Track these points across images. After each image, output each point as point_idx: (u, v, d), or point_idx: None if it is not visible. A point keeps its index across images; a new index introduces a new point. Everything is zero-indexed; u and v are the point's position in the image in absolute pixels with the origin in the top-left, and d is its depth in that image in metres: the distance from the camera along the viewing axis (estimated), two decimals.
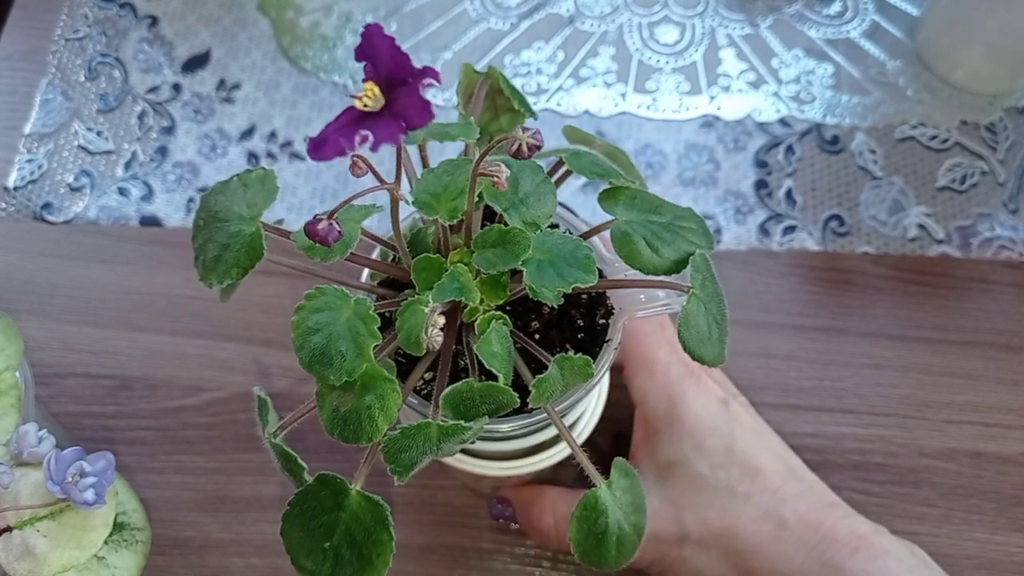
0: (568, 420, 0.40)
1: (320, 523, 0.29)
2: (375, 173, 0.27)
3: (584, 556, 0.31)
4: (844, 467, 0.49)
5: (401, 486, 0.28)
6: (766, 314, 0.53)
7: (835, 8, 0.63)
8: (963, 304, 0.53)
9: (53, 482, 0.33)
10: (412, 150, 0.34)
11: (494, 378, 0.29)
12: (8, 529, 0.33)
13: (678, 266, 0.30)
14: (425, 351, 0.28)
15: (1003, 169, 0.57)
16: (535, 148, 0.27)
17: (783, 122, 0.59)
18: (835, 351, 0.52)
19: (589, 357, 0.30)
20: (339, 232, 0.27)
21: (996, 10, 0.55)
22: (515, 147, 0.27)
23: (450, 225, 0.30)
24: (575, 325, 0.35)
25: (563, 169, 0.33)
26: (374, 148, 0.24)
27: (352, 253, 0.30)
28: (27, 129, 0.60)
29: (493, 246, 0.29)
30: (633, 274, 0.31)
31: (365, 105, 0.25)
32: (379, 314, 0.28)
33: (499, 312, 0.30)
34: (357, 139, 0.24)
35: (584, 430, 0.41)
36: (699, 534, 0.40)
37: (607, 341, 0.34)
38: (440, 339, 0.28)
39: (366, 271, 0.34)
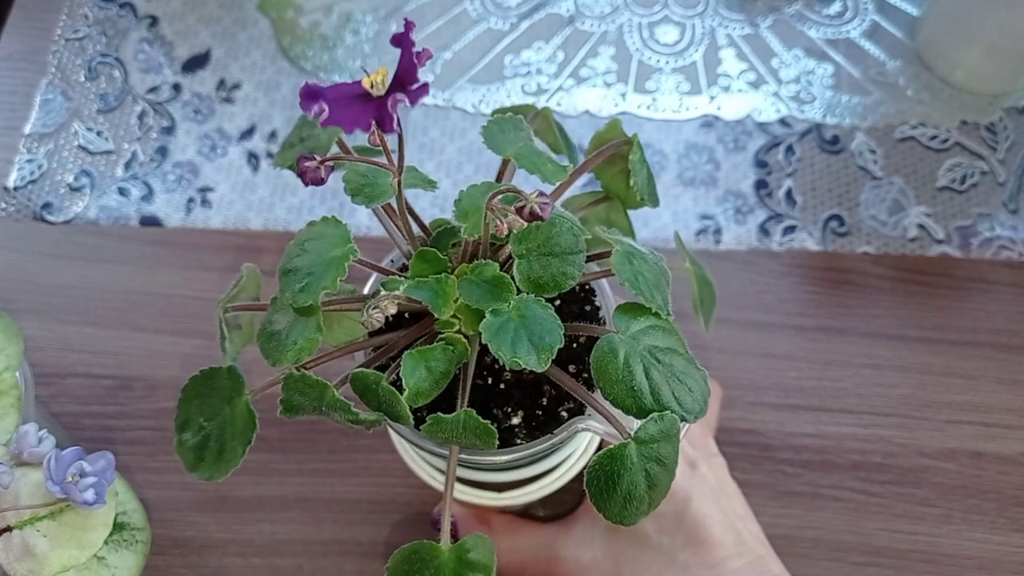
0: (555, 460, 0.40)
1: (209, 404, 0.32)
2: (387, 152, 0.27)
3: (593, 498, 0.28)
4: (844, 467, 0.49)
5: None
6: (766, 314, 0.53)
7: (835, 8, 0.63)
8: (963, 304, 0.53)
9: (53, 482, 0.33)
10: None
11: (500, 381, 0.29)
12: (8, 529, 0.33)
13: (642, 413, 0.28)
14: (364, 326, 0.28)
15: (1003, 169, 0.57)
16: (536, 218, 0.26)
17: (783, 122, 0.59)
18: (835, 351, 0.52)
19: (492, 429, 0.28)
20: (322, 179, 0.27)
21: (996, 10, 0.55)
22: (521, 206, 0.27)
23: (473, 240, 0.30)
24: (540, 399, 0.33)
25: (603, 262, 0.31)
26: (324, 123, 0.25)
27: (361, 259, 0.30)
28: (27, 129, 0.60)
29: (484, 281, 0.29)
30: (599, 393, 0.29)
31: (370, 85, 0.25)
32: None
33: (462, 340, 0.29)
34: (315, 109, 0.25)
35: (574, 467, 0.41)
36: None
37: (551, 434, 0.32)
38: (377, 322, 0.28)
39: (374, 275, 0.35)
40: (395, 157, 0.28)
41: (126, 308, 0.54)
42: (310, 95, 0.25)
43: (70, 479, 0.33)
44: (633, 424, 0.28)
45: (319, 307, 0.29)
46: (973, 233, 0.55)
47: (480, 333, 0.28)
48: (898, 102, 0.60)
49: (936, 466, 0.49)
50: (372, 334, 0.33)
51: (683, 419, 0.28)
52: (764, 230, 0.55)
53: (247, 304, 0.33)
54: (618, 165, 0.35)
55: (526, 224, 0.27)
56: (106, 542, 0.35)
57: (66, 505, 0.34)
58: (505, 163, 0.33)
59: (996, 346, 0.52)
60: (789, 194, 0.56)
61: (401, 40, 0.26)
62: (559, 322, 0.28)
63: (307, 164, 0.27)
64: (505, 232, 0.27)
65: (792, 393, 0.51)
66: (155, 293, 0.54)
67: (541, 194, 0.27)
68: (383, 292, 0.28)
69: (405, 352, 0.28)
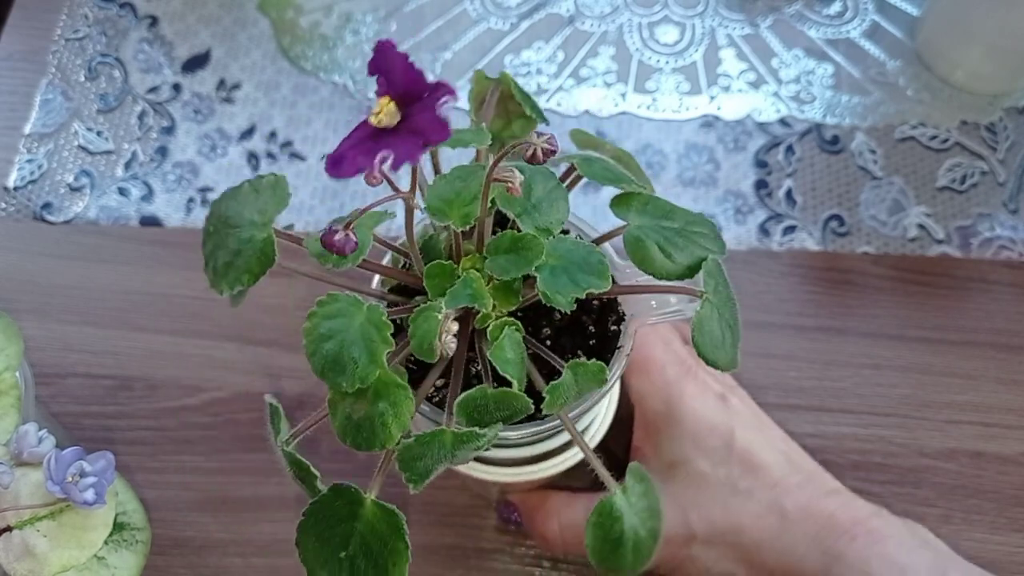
0: (579, 426, 0.39)
1: (336, 533, 0.29)
2: (390, 182, 0.27)
3: (601, 563, 0.31)
4: (844, 467, 0.49)
5: (415, 492, 0.28)
6: (766, 314, 0.53)
7: (835, 8, 0.63)
8: (963, 304, 0.53)
9: (53, 482, 0.33)
10: (424, 155, 0.34)
11: (507, 384, 0.29)
12: (8, 529, 0.33)
13: (691, 271, 0.30)
14: (438, 358, 0.28)
15: (1003, 169, 0.57)
16: (551, 153, 0.27)
17: (783, 122, 0.59)
18: (835, 351, 0.52)
19: (602, 363, 0.30)
20: (355, 243, 0.27)
21: (996, 10, 0.55)
22: (530, 152, 0.27)
23: (462, 231, 0.30)
24: (586, 331, 0.35)
25: (573, 175, 0.33)
26: (395, 167, 0.23)
27: (364, 259, 0.30)
28: (27, 129, 0.60)
29: (506, 252, 0.29)
30: (645, 279, 0.31)
31: (380, 121, 0.24)
32: (391, 320, 0.28)
33: (511, 318, 0.30)
34: (377, 160, 0.23)
35: (595, 435, 0.41)
36: (705, 533, 0.41)
37: (619, 347, 0.34)
38: (454, 346, 0.28)
39: (377, 277, 0.34)
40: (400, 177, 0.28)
41: (126, 308, 0.54)
42: (335, 162, 0.24)
43: (70, 479, 0.33)
44: (698, 281, 0.30)
45: (387, 370, 0.28)
46: (973, 233, 0.55)
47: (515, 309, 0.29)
48: (898, 102, 0.60)
49: (936, 466, 0.49)
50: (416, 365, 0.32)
51: (713, 254, 0.31)
52: (764, 230, 0.55)
53: (306, 426, 0.31)
54: (502, 108, 0.36)
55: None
56: (106, 542, 0.35)
57: (66, 505, 0.34)
58: (479, 154, 0.34)
59: (996, 346, 0.52)
60: (789, 194, 0.56)
61: (384, 59, 0.24)
62: (591, 244, 0.30)
63: (336, 238, 0.26)
64: (520, 190, 0.27)
65: (792, 393, 0.51)
66: (155, 293, 0.54)
67: (540, 134, 0.27)
68: (440, 316, 0.28)
69: (489, 354, 0.28)
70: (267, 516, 0.49)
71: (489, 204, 0.29)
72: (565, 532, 0.43)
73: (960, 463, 0.49)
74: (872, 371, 0.51)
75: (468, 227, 0.29)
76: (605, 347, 0.34)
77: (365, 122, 0.24)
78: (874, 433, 0.50)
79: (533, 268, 0.28)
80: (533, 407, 0.29)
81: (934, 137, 0.58)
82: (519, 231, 0.29)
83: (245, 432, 0.50)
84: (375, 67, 0.25)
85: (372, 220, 0.30)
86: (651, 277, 0.30)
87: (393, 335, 0.28)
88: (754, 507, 0.40)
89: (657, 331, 0.43)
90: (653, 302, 0.34)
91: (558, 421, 0.32)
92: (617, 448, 0.47)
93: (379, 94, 0.24)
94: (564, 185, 0.31)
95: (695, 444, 0.41)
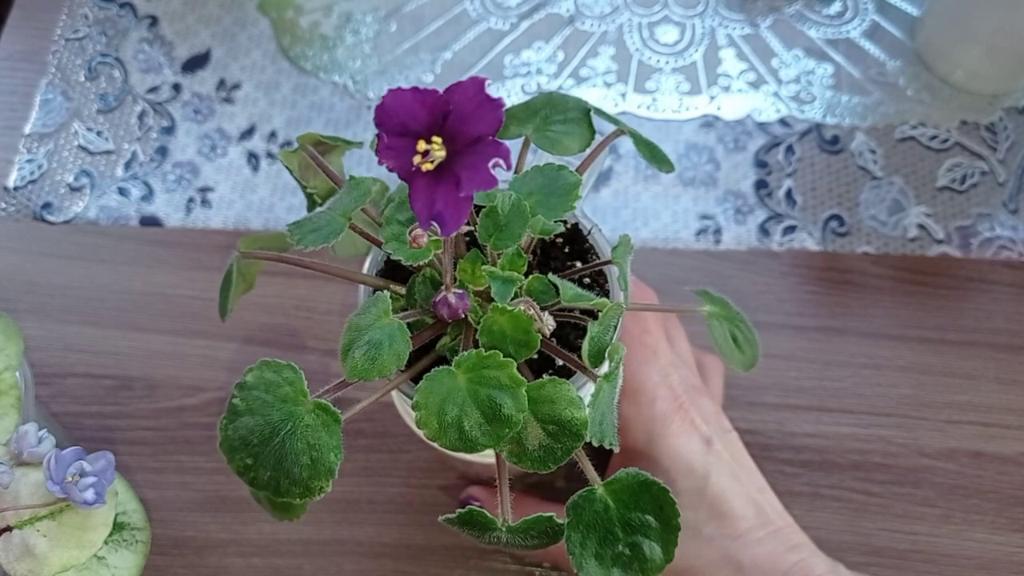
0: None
1: (599, 537, 0.29)
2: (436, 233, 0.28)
3: (744, 365, 0.38)
4: (844, 467, 0.49)
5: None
6: (766, 314, 0.53)
7: (835, 8, 0.63)
8: (963, 304, 0.53)
9: (53, 482, 0.33)
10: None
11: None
12: (8, 529, 0.33)
13: (591, 130, 0.34)
14: (539, 342, 0.29)
15: (1003, 169, 0.57)
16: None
17: (783, 122, 0.59)
18: (835, 351, 0.52)
19: (620, 304, 0.31)
20: (465, 295, 0.27)
21: (996, 10, 0.55)
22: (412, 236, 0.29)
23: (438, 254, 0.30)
24: (557, 244, 0.37)
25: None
26: (509, 166, 0.23)
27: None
28: (27, 129, 0.60)
29: (498, 227, 0.30)
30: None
31: (434, 161, 0.23)
32: (407, 324, 0.29)
33: (530, 277, 0.31)
34: (491, 168, 0.23)
35: None
36: None
37: (588, 231, 0.37)
38: (551, 320, 0.29)
39: (368, 260, 0.35)
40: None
41: (126, 308, 0.54)
42: (442, 221, 0.23)
43: (70, 479, 0.33)
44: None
45: (524, 382, 0.28)
46: (973, 233, 0.55)
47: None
48: (898, 102, 0.60)
49: (936, 466, 0.49)
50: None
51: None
52: (764, 230, 0.55)
53: (513, 489, 0.31)
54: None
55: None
56: (106, 542, 0.35)
57: (66, 505, 0.34)
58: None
59: (996, 346, 0.52)
60: (789, 194, 0.56)
61: (464, 99, 0.23)
62: (546, 164, 0.32)
63: (453, 303, 0.27)
64: (424, 243, 0.29)
65: (792, 393, 0.51)
66: (155, 293, 0.54)
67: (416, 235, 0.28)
68: (524, 307, 0.29)
69: (564, 301, 0.29)
70: (267, 516, 0.48)
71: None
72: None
73: (960, 463, 0.49)
74: (872, 371, 0.51)
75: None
76: (578, 244, 0.37)
77: (417, 176, 0.23)
78: (874, 433, 0.50)
79: (528, 222, 0.30)
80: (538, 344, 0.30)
81: (934, 137, 0.58)
82: (491, 207, 0.31)
83: None
84: (387, 124, 0.24)
85: (378, 307, 0.30)
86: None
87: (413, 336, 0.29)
88: (712, 555, 0.40)
89: (656, 361, 0.43)
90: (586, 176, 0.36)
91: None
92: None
93: (402, 148, 0.23)
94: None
95: (668, 482, 0.40)
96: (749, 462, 0.44)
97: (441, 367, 0.28)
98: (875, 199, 0.56)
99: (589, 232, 0.36)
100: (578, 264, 0.36)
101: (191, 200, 0.57)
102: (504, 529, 0.29)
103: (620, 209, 0.56)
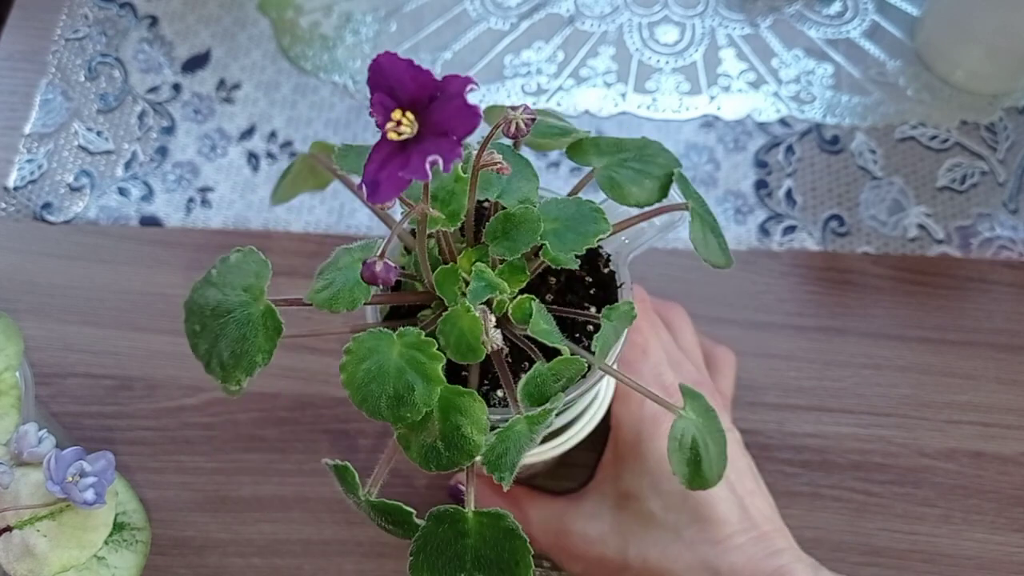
0: (573, 413, 0.40)
1: (448, 557, 0.28)
2: (403, 199, 0.27)
3: (691, 483, 0.33)
4: (844, 467, 0.49)
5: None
6: (766, 314, 0.53)
7: (835, 8, 0.63)
8: (963, 304, 0.53)
9: (53, 482, 0.33)
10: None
11: (530, 360, 0.29)
12: (8, 529, 0.33)
13: (663, 191, 0.32)
14: (483, 355, 0.28)
15: (1003, 169, 0.57)
16: (531, 123, 0.27)
17: (783, 122, 0.59)
18: (835, 351, 0.52)
19: (630, 300, 0.31)
20: (398, 269, 0.26)
21: (996, 10, 0.55)
22: (512, 127, 0.27)
23: (457, 230, 0.30)
24: (584, 283, 0.36)
25: (521, 139, 0.33)
26: (447, 168, 0.23)
27: (373, 295, 0.30)
28: (27, 129, 0.60)
29: (505, 233, 0.30)
30: (624, 211, 0.33)
31: (402, 134, 0.24)
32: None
33: (524, 296, 0.30)
34: (427, 166, 0.23)
35: (589, 425, 0.42)
36: (638, 568, 0.41)
37: (620, 285, 0.35)
38: (500, 337, 0.28)
39: (369, 311, 0.34)
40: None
41: (126, 308, 0.54)
42: (373, 188, 0.23)
43: (70, 479, 0.33)
44: (672, 198, 0.32)
45: (446, 384, 0.28)
46: (973, 233, 0.55)
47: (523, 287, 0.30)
48: (898, 102, 0.60)
49: (936, 466, 0.49)
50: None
51: (674, 167, 0.33)
52: (764, 230, 0.55)
53: (381, 472, 0.31)
54: None
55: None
56: (106, 542, 0.35)
57: (66, 505, 0.34)
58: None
59: (996, 346, 0.52)
60: (789, 194, 0.56)
61: (384, 71, 0.24)
62: (577, 198, 0.31)
63: (378, 270, 0.26)
64: (510, 170, 0.28)
65: (792, 393, 0.51)
66: (155, 293, 0.54)
67: (514, 107, 0.27)
68: (477, 314, 0.28)
69: (529, 331, 0.29)
70: (267, 516, 0.49)
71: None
72: (539, 530, 0.44)
73: (960, 463, 0.49)
74: (872, 371, 0.51)
75: (459, 225, 0.29)
76: (606, 292, 0.36)
77: (383, 140, 0.24)
78: (874, 433, 0.50)
79: (539, 237, 0.29)
80: (586, 366, 0.30)
81: (934, 137, 0.58)
82: (508, 210, 0.30)
83: (245, 432, 0.50)
84: (376, 84, 0.24)
85: (363, 252, 0.30)
86: (634, 208, 0.32)
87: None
88: (690, 559, 0.40)
89: (647, 361, 0.43)
90: (625, 238, 0.35)
91: (598, 374, 0.32)
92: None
93: (380, 111, 0.24)
94: (522, 156, 0.32)
95: (652, 484, 0.41)
96: (744, 462, 0.43)
97: (386, 330, 0.28)
98: (875, 199, 0.56)
99: (620, 286, 0.35)
100: (592, 309, 0.35)
101: (191, 200, 0.57)
102: (364, 500, 0.29)
103: (620, 208, 0.56)
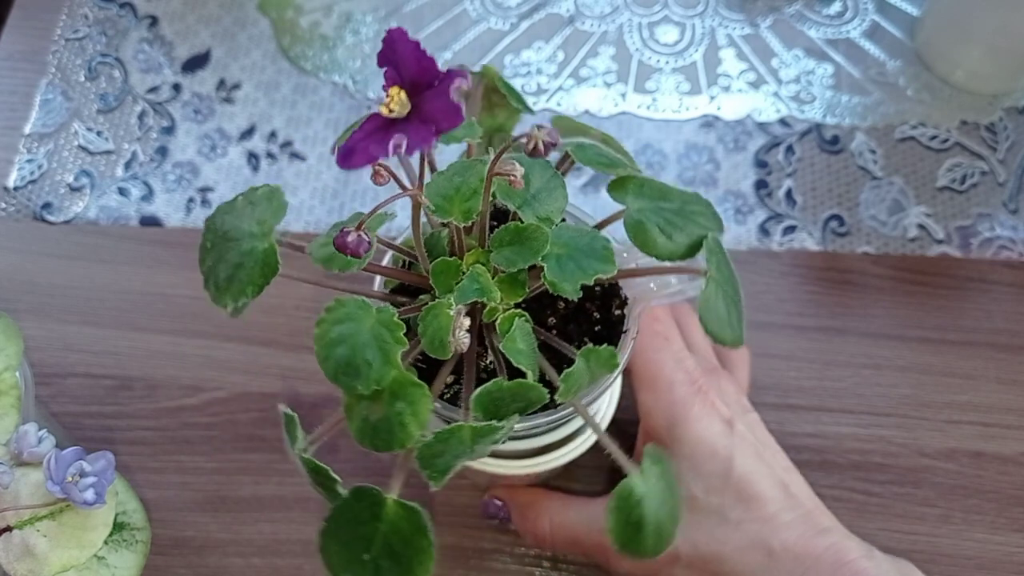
0: (574, 426, 0.40)
1: (358, 535, 0.29)
2: (397, 180, 0.27)
3: (623, 547, 0.30)
4: (844, 467, 0.49)
5: (436, 490, 0.28)
6: (766, 314, 0.53)
7: (835, 8, 0.63)
8: (963, 304, 0.53)
9: (53, 482, 0.33)
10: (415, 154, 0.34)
11: (521, 375, 0.29)
12: (8, 529, 0.33)
13: (692, 250, 0.31)
14: (451, 354, 0.28)
15: (1003, 169, 0.57)
16: (551, 146, 0.27)
17: (783, 122, 0.59)
18: (835, 351, 0.52)
19: (613, 348, 0.30)
20: (369, 243, 0.26)
21: (996, 10, 0.55)
22: (532, 145, 0.27)
23: (464, 227, 0.30)
24: (591, 318, 0.35)
25: (567, 162, 0.33)
26: (408, 153, 0.23)
27: (368, 262, 0.30)
28: (27, 129, 0.60)
29: (511, 244, 0.29)
30: (647, 262, 0.31)
31: (391, 111, 0.24)
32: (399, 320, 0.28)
33: (518, 310, 0.30)
34: (391, 146, 0.23)
35: (601, 424, 0.41)
36: (688, 556, 0.40)
37: (624, 331, 0.34)
38: (467, 341, 0.28)
39: (378, 279, 0.34)
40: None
41: (126, 308, 0.54)
42: (347, 154, 0.24)
43: (70, 479, 0.33)
44: (699, 261, 0.31)
45: (402, 371, 0.28)
46: (973, 233, 0.55)
47: (522, 300, 0.30)
48: (898, 102, 0.60)
49: (936, 466, 0.49)
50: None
51: (711, 231, 0.31)
52: (764, 230, 0.55)
53: (324, 432, 0.31)
54: (486, 101, 0.36)
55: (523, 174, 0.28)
56: (106, 542, 0.35)
57: (66, 505, 0.34)
58: (470, 148, 0.34)
59: (996, 346, 0.52)
60: (789, 194, 0.56)
61: (394, 48, 0.24)
62: (593, 230, 0.30)
63: (349, 239, 0.26)
64: (522, 184, 0.28)
65: (792, 393, 0.51)
66: (155, 293, 0.54)
67: (540, 127, 0.27)
68: (451, 312, 0.28)
69: (501, 347, 0.29)
70: (267, 516, 0.49)
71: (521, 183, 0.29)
72: (556, 532, 0.43)
73: (960, 463, 0.49)
74: (872, 371, 0.51)
75: (470, 223, 0.29)
76: (610, 332, 0.35)
77: (376, 114, 0.24)
78: (874, 433, 0.50)
79: (539, 258, 0.28)
80: (549, 396, 0.29)
81: (934, 137, 0.58)
82: (521, 223, 0.29)
83: (245, 432, 0.50)
84: (384, 57, 0.25)
85: (375, 222, 0.30)
86: (653, 259, 0.31)
87: (404, 335, 0.28)
88: (740, 540, 0.39)
89: (670, 348, 0.43)
90: (653, 284, 0.34)
91: (570, 409, 0.32)
92: (620, 441, 0.47)
93: (387, 84, 0.24)
94: (560, 174, 0.31)
95: (692, 467, 0.41)
96: (772, 442, 0.43)
97: (361, 308, 0.28)
98: (875, 199, 0.56)
99: (624, 332, 0.34)
100: (589, 344, 0.35)
101: (191, 200, 0.57)
102: (299, 454, 0.30)
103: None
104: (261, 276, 0.29)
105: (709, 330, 0.30)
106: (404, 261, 0.34)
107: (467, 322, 0.28)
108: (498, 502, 0.46)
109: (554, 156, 0.33)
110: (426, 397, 0.28)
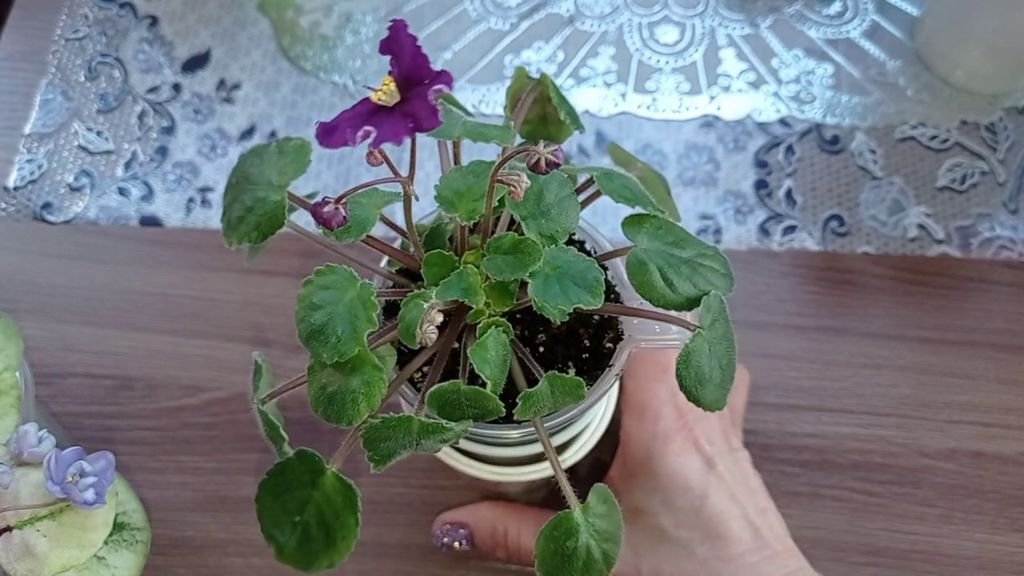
0: (570, 434, 0.39)
1: (293, 497, 0.29)
2: (390, 165, 0.27)
3: (547, 574, 0.30)
4: (844, 467, 0.49)
5: (377, 479, 0.29)
6: (766, 314, 0.53)
7: (835, 8, 0.63)
8: (963, 304, 0.53)
9: (53, 482, 0.33)
10: (448, 144, 0.34)
11: (483, 384, 0.29)
12: (8, 529, 0.33)
13: (691, 304, 0.30)
14: (417, 346, 0.28)
15: (1003, 169, 0.57)
16: (553, 165, 0.26)
17: (783, 122, 0.59)
18: (835, 351, 0.52)
19: (581, 379, 0.29)
20: (344, 217, 0.27)
21: (996, 10, 0.55)
22: (534, 160, 0.26)
23: (469, 225, 0.30)
24: (581, 344, 0.35)
25: (593, 187, 0.32)
26: (374, 144, 0.24)
27: (370, 238, 0.30)
28: (27, 129, 0.60)
29: (505, 253, 0.29)
30: (647, 304, 0.31)
31: (380, 99, 0.25)
32: (388, 301, 0.28)
33: (503, 319, 0.29)
34: (359, 135, 0.24)
35: (586, 445, 0.41)
36: None
37: (609, 366, 0.33)
38: (434, 337, 0.28)
39: (385, 257, 0.34)
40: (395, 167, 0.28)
41: (126, 308, 0.54)
42: (327, 131, 0.24)
43: (70, 479, 0.33)
44: (687, 315, 0.30)
45: (366, 349, 0.28)
46: (973, 233, 0.55)
47: (509, 310, 0.29)
48: (898, 102, 0.60)
49: (936, 466, 0.49)
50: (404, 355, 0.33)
51: (717, 290, 0.30)
52: (764, 230, 0.55)
53: (284, 387, 0.31)
54: (538, 109, 0.36)
55: (529, 184, 0.28)
56: (106, 542, 0.35)
57: (66, 505, 0.34)
58: (504, 151, 0.33)
59: (996, 346, 0.52)
60: (789, 194, 0.56)
61: (396, 38, 0.25)
62: (590, 259, 0.29)
63: (325, 210, 0.26)
64: (522, 195, 0.27)
65: (792, 393, 0.51)
66: (155, 293, 0.54)
67: (547, 144, 0.27)
68: (426, 305, 0.28)
69: (469, 351, 0.28)
70: None
71: (498, 203, 0.29)
72: (525, 545, 0.44)
73: (960, 463, 0.49)
74: (872, 371, 0.51)
75: (473, 222, 0.29)
76: (598, 363, 0.34)
77: (367, 98, 0.25)
78: (874, 433, 0.50)
79: (527, 274, 0.28)
80: (504, 410, 0.29)
81: (934, 137, 0.58)
82: (520, 236, 0.29)
83: (245, 432, 0.50)
84: (387, 46, 0.25)
85: (381, 199, 0.30)
86: (650, 303, 0.30)
87: (385, 315, 0.28)
88: (703, 575, 0.40)
89: (664, 379, 0.43)
90: (656, 327, 0.33)
91: (552, 424, 0.31)
92: (608, 458, 0.47)
93: (390, 73, 0.25)
94: (580, 196, 0.31)
95: (664, 501, 0.41)
96: (755, 482, 0.43)
97: (347, 279, 0.29)
98: (875, 199, 0.56)
99: (610, 367, 0.33)
100: (571, 370, 0.34)
101: (191, 200, 0.57)
102: (256, 403, 0.31)
103: (620, 208, 0.56)
104: (268, 225, 0.30)
105: (684, 386, 0.29)
106: (410, 245, 0.34)
107: (439, 318, 0.28)
108: (449, 526, 0.46)
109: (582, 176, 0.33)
110: (382, 381, 0.28)
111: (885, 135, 0.58)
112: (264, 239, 0.30)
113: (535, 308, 0.28)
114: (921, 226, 0.55)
